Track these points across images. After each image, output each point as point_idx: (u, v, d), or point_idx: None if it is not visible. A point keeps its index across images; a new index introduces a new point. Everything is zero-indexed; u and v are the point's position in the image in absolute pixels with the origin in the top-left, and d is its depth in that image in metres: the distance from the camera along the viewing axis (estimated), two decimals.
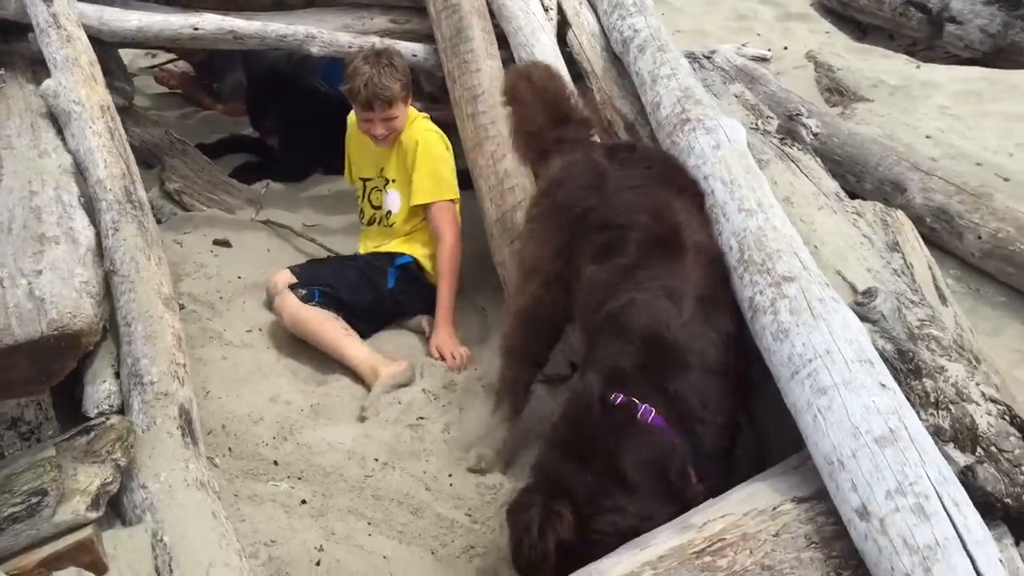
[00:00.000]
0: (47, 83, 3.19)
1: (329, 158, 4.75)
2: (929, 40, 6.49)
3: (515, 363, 2.99)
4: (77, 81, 3.17)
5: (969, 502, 1.69)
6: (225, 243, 4.12)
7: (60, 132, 3.13)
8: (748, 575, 1.77)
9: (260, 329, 3.59)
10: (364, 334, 3.52)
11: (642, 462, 2.11)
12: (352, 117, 3.78)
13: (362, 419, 3.19)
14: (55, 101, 3.14)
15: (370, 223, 3.84)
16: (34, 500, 2.24)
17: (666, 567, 1.79)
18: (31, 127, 3.07)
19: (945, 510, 1.65)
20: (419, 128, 3.65)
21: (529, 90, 3.13)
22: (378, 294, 3.61)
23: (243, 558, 2.33)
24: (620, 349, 2.30)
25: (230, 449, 2.96)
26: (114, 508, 2.41)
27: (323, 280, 3.58)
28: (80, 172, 2.98)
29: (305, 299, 3.47)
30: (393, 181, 3.69)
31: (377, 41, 3.90)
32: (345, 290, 3.56)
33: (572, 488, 2.08)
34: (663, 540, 1.88)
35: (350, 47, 3.89)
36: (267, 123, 4.97)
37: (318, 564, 2.52)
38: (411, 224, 3.71)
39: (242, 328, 3.58)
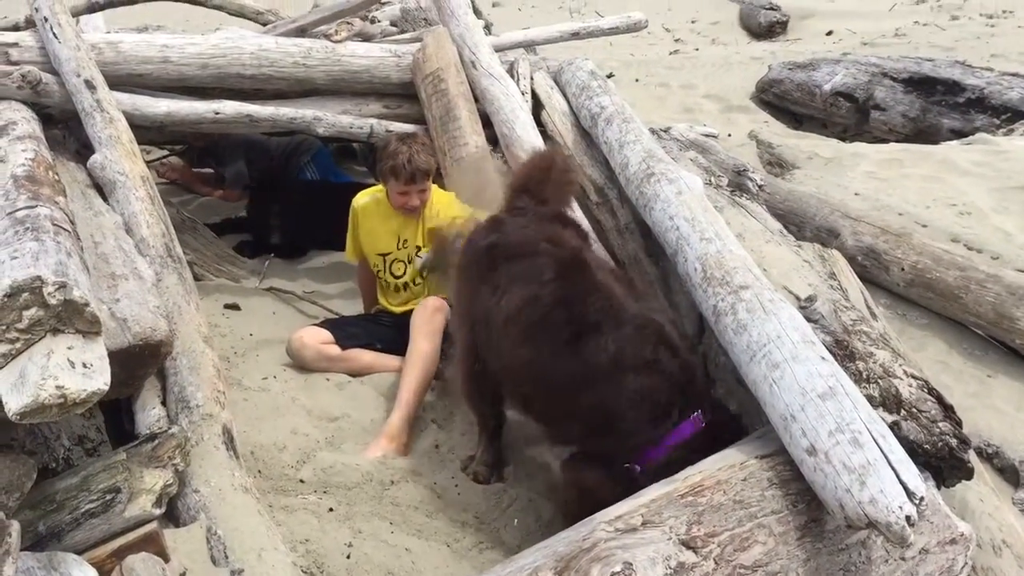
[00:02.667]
0: (94, 157, 3.64)
1: (322, 237, 5.30)
2: (858, 127, 7.20)
3: (475, 405, 3.38)
4: (120, 155, 3.62)
5: (892, 435, 2.14)
6: (235, 307, 4.53)
7: (106, 199, 3.56)
8: (723, 508, 2.19)
9: (275, 377, 3.96)
10: None
11: None
12: (359, 202, 4.19)
13: None
14: (102, 173, 3.58)
15: (396, 290, 4.21)
16: (109, 497, 2.56)
17: (657, 506, 2.20)
18: (82, 194, 3.49)
19: (874, 440, 2.09)
20: (438, 192, 4.07)
21: None
22: None
23: (287, 547, 2.70)
24: (655, 387, 2.62)
25: (259, 471, 3.31)
26: (168, 513, 2.76)
27: (365, 336, 4.04)
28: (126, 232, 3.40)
29: None
30: (424, 247, 4.08)
31: (375, 123, 4.44)
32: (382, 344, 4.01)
33: None
34: (653, 490, 2.29)
35: (351, 128, 4.40)
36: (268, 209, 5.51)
37: (348, 557, 2.87)
38: None
39: (258, 376, 3.95)
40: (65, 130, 4.12)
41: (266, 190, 5.60)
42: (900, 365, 2.55)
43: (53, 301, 2.03)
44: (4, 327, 2.01)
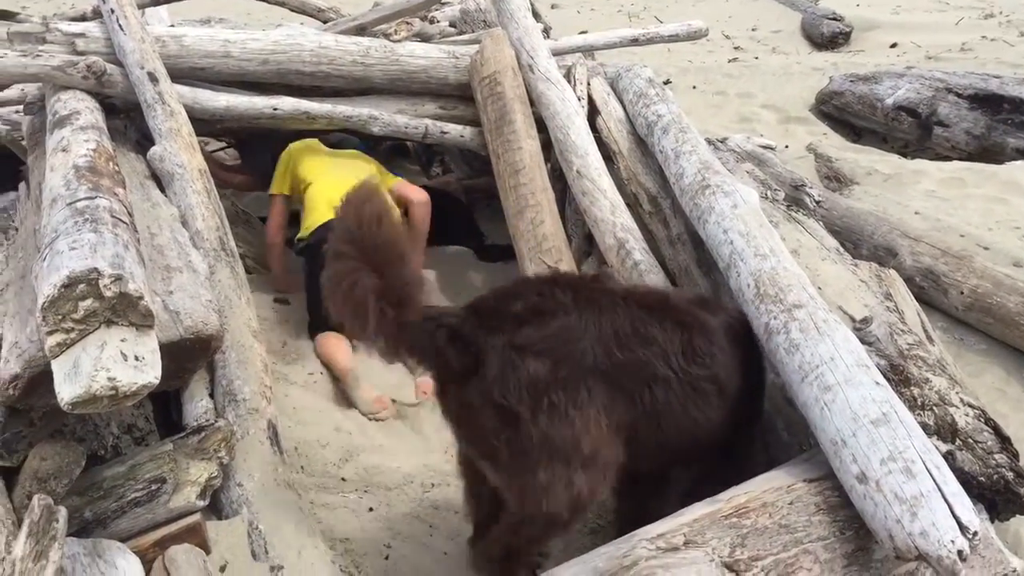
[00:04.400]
0: (154, 149, 3.69)
1: None
2: (919, 142, 7.04)
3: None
4: (180, 148, 3.67)
5: (946, 465, 2.08)
6: (284, 301, 4.56)
7: (163, 191, 3.60)
8: (768, 531, 2.15)
9: (321, 373, 3.99)
10: None
11: None
12: None
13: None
14: (160, 164, 3.63)
15: None
16: (154, 487, 2.60)
17: (700, 525, 2.17)
18: (140, 185, 3.54)
19: (927, 470, 2.04)
20: None
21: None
22: None
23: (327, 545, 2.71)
24: None
25: (303, 467, 3.33)
26: (211, 506, 2.78)
27: None
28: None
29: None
30: None
31: (430, 123, 4.45)
32: None
33: None
34: (696, 510, 2.26)
35: (406, 128, 4.41)
36: None
37: (387, 558, 2.88)
38: None
39: (304, 372, 3.99)
40: (127, 120, 4.17)
41: None
42: (957, 393, 2.49)
43: (108, 293, 2.05)
44: (60, 317, 2.04)
